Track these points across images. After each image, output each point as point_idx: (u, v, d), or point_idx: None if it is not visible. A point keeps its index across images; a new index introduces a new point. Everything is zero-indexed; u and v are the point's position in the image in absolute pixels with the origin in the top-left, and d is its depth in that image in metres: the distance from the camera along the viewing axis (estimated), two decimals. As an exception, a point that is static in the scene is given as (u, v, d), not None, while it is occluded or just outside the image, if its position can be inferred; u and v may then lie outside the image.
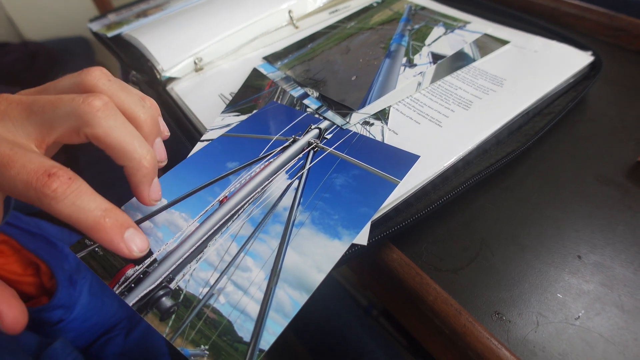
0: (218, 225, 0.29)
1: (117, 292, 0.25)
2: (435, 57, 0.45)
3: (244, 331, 0.24)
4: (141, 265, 0.26)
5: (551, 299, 0.28)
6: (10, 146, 0.21)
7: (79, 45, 1.19)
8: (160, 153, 0.28)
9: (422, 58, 0.45)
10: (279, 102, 0.41)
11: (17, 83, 0.97)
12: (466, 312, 0.27)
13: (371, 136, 0.36)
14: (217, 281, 0.26)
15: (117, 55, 0.49)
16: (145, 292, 0.25)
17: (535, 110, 0.39)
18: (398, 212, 0.31)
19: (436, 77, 0.42)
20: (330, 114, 0.39)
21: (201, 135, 0.38)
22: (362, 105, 0.40)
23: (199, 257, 0.27)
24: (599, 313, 0.27)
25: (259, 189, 0.31)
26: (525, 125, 0.38)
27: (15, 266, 0.52)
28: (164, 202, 0.30)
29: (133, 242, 0.23)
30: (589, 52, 0.44)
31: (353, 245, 0.28)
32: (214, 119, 0.39)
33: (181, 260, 0.27)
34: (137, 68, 0.46)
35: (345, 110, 0.39)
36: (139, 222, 0.29)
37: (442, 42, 0.47)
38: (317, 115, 0.39)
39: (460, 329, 0.26)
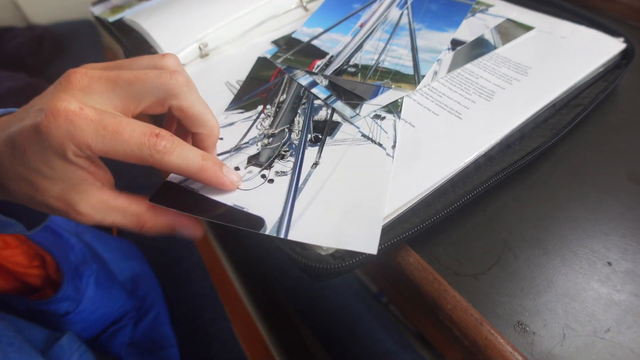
0: (364, 37, 0.44)
1: (316, 71, 0.41)
2: (455, 43, 0.42)
3: (408, 72, 0.39)
4: (323, 60, 0.42)
5: (579, 309, 0.26)
6: (113, 115, 0.24)
7: (85, 28, 1.17)
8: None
9: (441, 44, 0.42)
10: (284, 95, 0.39)
11: (22, 68, 0.95)
12: (487, 323, 0.25)
13: (383, 131, 0.34)
14: (378, 58, 0.41)
15: (119, 41, 0.47)
16: (335, 68, 0.41)
17: (563, 102, 0.37)
18: (415, 213, 0.29)
19: (454, 65, 0.40)
20: (339, 104, 0.37)
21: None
22: (375, 94, 0.37)
23: (360, 50, 0.43)
24: (631, 326, 0.25)
25: (382, 16, 0.46)
26: (551, 118, 0.35)
27: (21, 258, 0.51)
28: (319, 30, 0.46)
29: (231, 175, 0.29)
30: (621, 39, 0.41)
31: (361, 254, 0.26)
32: (218, 116, 0.37)
33: (349, 53, 0.43)
34: (140, 54, 0.44)
35: (355, 100, 0.37)
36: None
37: (462, 26, 0.44)
38: (324, 107, 0.37)
39: (481, 342, 0.25)
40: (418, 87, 0.38)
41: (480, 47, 0.41)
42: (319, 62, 0.42)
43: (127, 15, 0.48)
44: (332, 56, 0.43)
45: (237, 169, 0.31)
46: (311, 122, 0.35)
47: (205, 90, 0.40)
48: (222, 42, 0.46)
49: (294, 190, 0.30)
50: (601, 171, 0.33)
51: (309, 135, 0.34)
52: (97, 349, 0.54)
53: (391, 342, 0.61)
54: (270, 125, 0.35)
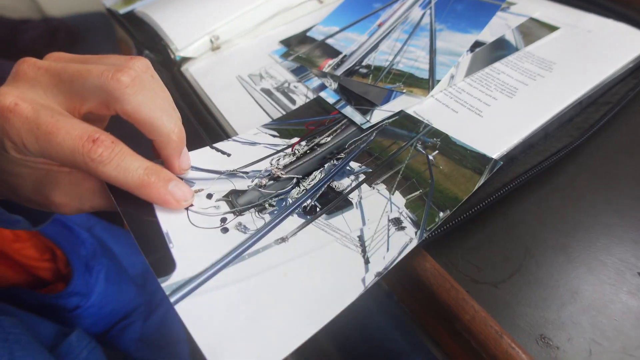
0: (381, 37, 0.42)
1: (327, 71, 0.39)
2: (473, 45, 0.40)
3: (422, 75, 0.37)
4: (335, 59, 0.40)
5: (606, 323, 0.25)
6: (50, 113, 0.21)
7: (99, 21, 1.16)
8: (186, 161, 0.27)
9: (460, 41, 0.41)
10: (329, 138, 0.32)
11: (38, 59, 0.95)
12: (508, 336, 0.24)
13: (386, 246, 0.26)
14: (393, 59, 0.39)
15: (130, 33, 0.46)
16: (347, 68, 0.39)
17: (590, 100, 0.35)
18: (432, 216, 0.28)
19: (472, 68, 0.37)
20: (348, 109, 0.35)
21: (216, 122, 0.35)
22: (386, 100, 0.35)
23: (375, 50, 0.41)
24: (664, 342, 0.24)
25: (403, 16, 0.44)
26: (577, 117, 0.34)
27: (31, 251, 0.52)
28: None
29: (178, 192, 0.24)
30: (653, 32, 0.38)
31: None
32: (250, 128, 0.33)
33: (363, 53, 0.41)
34: (151, 47, 0.44)
35: (366, 106, 0.35)
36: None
37: (483, 25, 0.42)
38: (354, 177, 0.30)
39: (501, 356, 0.23)
40: (431, 93, 0.35)
41: (500, 48, 0.39)
42: (331, 62, 0.40)
43: (138, 7, 0.47)
44: (345, 55, 0.41)
45: (209, 196, 0.27)
46: (325, 185, 0.29)
47: (216, 84, 0.40)
48: (234, 35, 0.44)
49: (234, 256, 0.24)
50: (631, 174, 0.32)
51: (309, 201, 0.28)
52: (107, 344, 0.54)
53: (403, 342, 0.59)
54: (285, 167, 0.30)
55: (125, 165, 0.22)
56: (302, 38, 0.44)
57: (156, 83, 0.24)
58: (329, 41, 0.43)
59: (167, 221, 0.25)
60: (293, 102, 0.36)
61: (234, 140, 0.32)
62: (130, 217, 0.25)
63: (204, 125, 0.35)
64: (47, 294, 0.49)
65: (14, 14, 1.11)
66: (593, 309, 0.25)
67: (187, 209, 0.26)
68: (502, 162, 0.29)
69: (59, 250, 0.51)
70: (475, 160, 0.30)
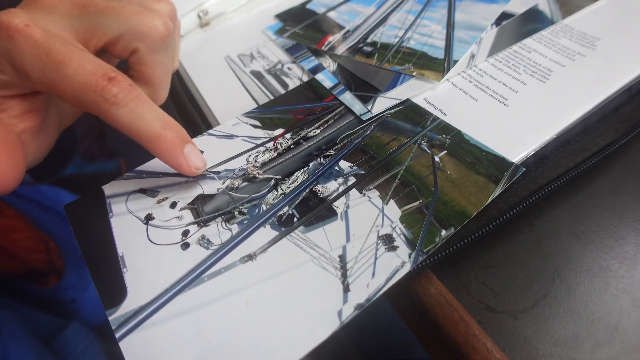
0: (391, 8, 0.37)
1: (326, 49, 0.34)
2: (500, 17, 0.34)
3: (437, 54, 0.31)
4: (336, 35, 0.35)
5: (655, 370, 0.20)
6: (63, 43, 0.20)
7: None
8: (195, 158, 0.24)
9: (484, 12, 0.35)
10: (319, 130, 0.28)
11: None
12: (528, 385, 0.20)
13: (372, 269, 0.22)
14: (404, 35, 0.34)
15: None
16: (349, 46, 0.34)
17: (641, 84, 0.29)
18: (440, 232, 0.23)
19: (497, 46, 0.32)
20: (347, 96, 0.30)
21: (198, 111, 0.31)
22: (392, 85, 0.30)
23: (383, 25, 0.35)
24: None
25: None
26: (625, 107, 0.28)
27: (27, 242, 0.50)
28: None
29: (192, 157, 0.22)
30: None
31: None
32: (229, 118, 0.29)
33: (369, 28, 0.35)
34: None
35: (369, 92, 0.30)
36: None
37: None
38: (342, 180, 0.26)
39: (518, 411, 0.19)
40: (446, 76, 0.30)
41: (532, 21, 0.33)
42: (331, 38, 0.35)
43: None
44: (347, 31, 0.35)
45: (173, 204, 0.24)
46: (307, 189, 0.25)
47: (202, 67, 0.36)
48: (225, 9, 0.40)
49: (191, 279, 0.21)
50: (690, 177, 0.26)
51: (286, 209, 0.24)
52: (106, 335, 0.52)
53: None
54: (263, 165, 0.26)
55: (141, 113, 0.20)
56: (301, 11, 0.39)
57: (176, 35, 0.25)
58: (331, 14, 0.38)
59: (124, 241, 0.22)
60: (285, 86, 0.32)
61: (209, 134, 0.28)
62: (84, 240, 0.22)
63: (183, 115, 0.31)
64: (44, 288, 0.48)
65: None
66: (636, 351, 0.21)
67: (147, 223, 0.23)
68: (524, 169, 0.24)
69: (52, 242, 0.49)
70: (491, 164, 0.24)
